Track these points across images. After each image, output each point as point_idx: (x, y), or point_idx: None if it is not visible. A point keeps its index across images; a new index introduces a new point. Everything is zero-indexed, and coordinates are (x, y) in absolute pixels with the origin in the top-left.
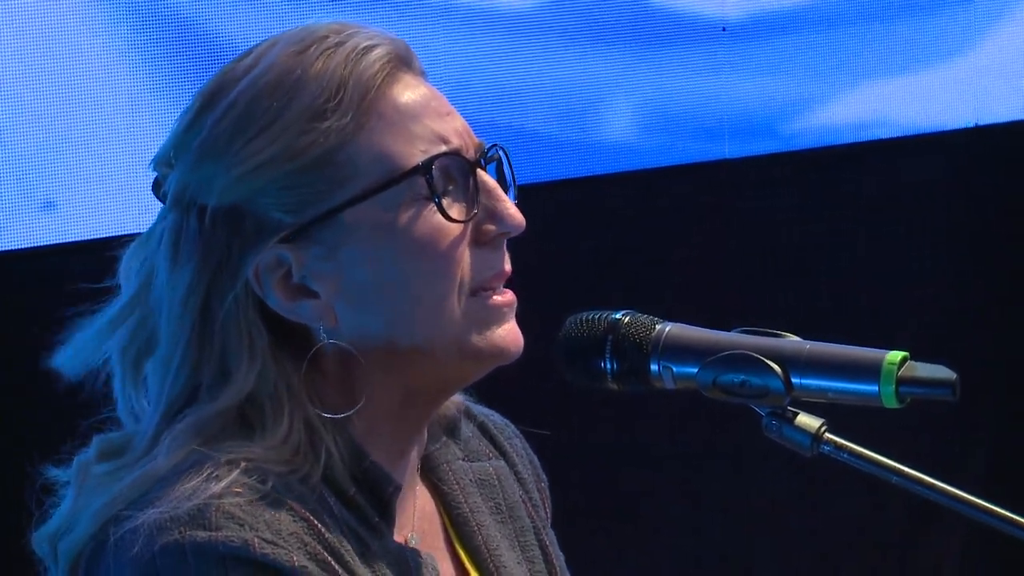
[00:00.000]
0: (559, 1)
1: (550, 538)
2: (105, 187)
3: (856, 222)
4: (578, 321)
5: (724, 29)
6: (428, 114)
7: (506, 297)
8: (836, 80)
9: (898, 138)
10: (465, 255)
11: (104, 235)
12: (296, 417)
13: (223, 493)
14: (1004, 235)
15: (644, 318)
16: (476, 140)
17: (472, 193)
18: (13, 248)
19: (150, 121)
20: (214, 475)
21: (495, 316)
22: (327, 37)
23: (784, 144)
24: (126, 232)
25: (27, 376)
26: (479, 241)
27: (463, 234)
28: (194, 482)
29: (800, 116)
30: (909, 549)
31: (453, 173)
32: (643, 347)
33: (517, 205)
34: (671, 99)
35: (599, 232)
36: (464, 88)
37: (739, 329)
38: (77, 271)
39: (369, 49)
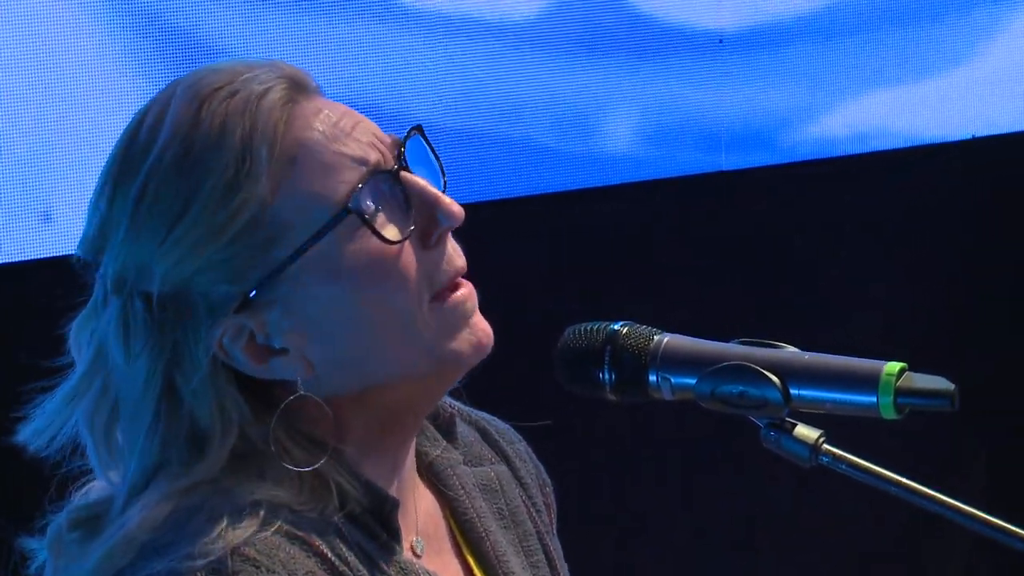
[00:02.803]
0: (557, 13)
1: (555, 545)
2: None
3: (854, 233)
4: (576, 332)
5: (721, 40)
6: (337, 139)
7: (463, 291)
8: (834, 91)
9: (896, 149)
10: (413, 265)
11: None
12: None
13: (240, 538)
14: (1002, 246)
15: (642, 329)
16: (389, 139)
17: (403, 203)
18: (10, 260)
19: None
20: (244, 517)
21: (459, 315)
22: (218, 90)
23: (782, 156)
24: None
25: (22, 388)
26: (425, 245)
27: (406, 247)
28: (220, 526)
29: (798, 127)
30: (913, 557)
31: (381, 191)
32: (641, 358)
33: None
34: (668, 111)
35: (597, 243)
36: (463, 100)
37: (737, 340)
38: (74, 283)
39: (263, 95)
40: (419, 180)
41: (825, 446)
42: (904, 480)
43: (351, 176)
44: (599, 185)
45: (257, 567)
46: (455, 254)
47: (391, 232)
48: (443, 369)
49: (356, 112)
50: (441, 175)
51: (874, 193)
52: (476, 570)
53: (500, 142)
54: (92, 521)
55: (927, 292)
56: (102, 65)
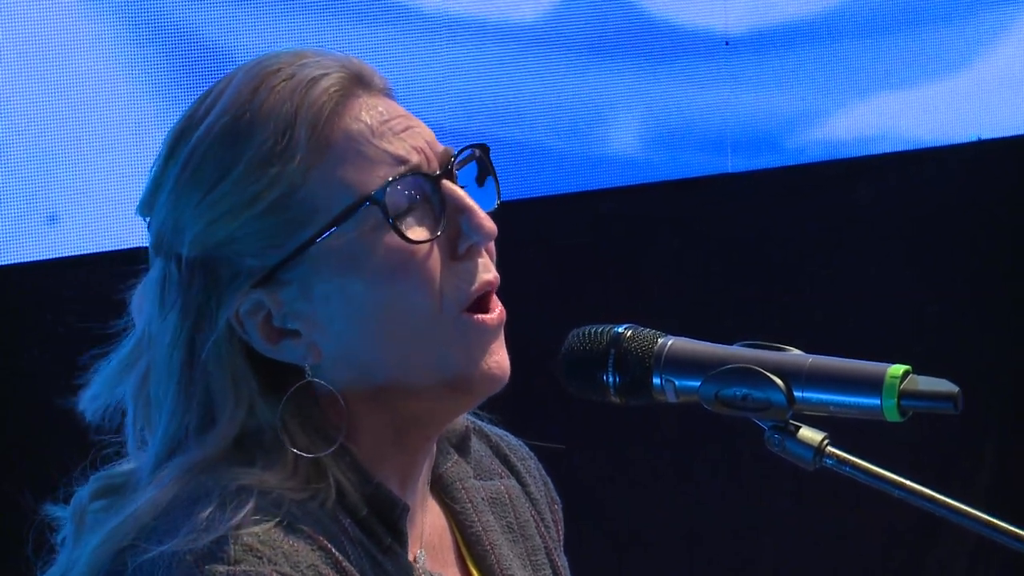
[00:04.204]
0: (562, 16)
1: (562, 561)
2: (108, 201)
3: (859, 236)
4: (581, 335)
5: (727, 43)
6: (383, 136)
7: (493, 315)
8: (839, 94)
9: (901, 152)
10: (437, 273)
11: (107, 249)
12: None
13: (241, 523)
14: (1008, 248)
15: (647, 332)
16: (441, 150)
17: (438, 208)
18: (17, 262)
19: (154, 135)
20: (230, 504)
21: (481, 335)
22: (279, 71)
23: (787, 158)
24: (129, 246)
25: (29, 389)
26: (454, 256)
27: (432, 253)
28: (209, 511)
29: (803, 130)
30: (916, 559)
31: (415, 192)
32: (645, 361)
33: (499, 208)
34: (674, 113)
35: (603, 245)
36: (467, 102)
37: (742, 343)
38: (80, 285)
39: (317, 80)
40: (457, 190)
41: (829, 448)
42: (907, 482)
43: (386, 171)
44: (604, 187)
45: (259, 557)
46: (484, 269)
47: (416, 233)
48: (451, 386)
49: (415, 118)
50: (496, 196)
51: (880, 195)
52: None
53: (504, 144)
54: (113, 492)
55: (933, 294)
56: (108, 68)
